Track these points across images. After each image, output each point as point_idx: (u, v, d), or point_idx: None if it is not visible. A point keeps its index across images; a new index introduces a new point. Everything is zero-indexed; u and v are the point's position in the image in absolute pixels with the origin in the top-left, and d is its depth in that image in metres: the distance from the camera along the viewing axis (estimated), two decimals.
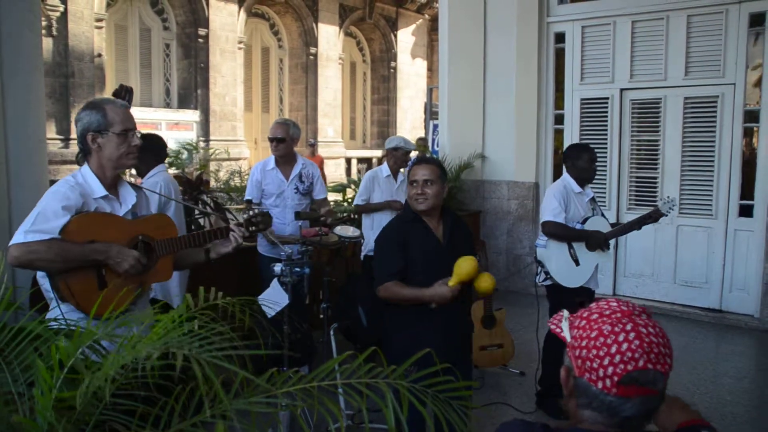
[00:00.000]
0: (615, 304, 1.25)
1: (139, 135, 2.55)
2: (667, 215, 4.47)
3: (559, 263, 4.30)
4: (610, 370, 1.17)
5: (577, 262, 4.28)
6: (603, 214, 4.52)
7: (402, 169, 5.78)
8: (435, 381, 1.44)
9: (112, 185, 2.53)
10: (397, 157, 5.55)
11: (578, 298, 4.19)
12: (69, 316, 2.16)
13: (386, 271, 3.05)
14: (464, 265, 2.89)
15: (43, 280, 2.39)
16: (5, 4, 3.74)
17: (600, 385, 1.19)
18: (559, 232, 4.27)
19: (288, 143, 4.78)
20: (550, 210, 4.31)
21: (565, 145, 7.45)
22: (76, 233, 2.30)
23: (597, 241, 4.25)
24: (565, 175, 4.46)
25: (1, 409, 1.26)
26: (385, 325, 3.27)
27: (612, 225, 4.45)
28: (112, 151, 2.46)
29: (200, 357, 1.29)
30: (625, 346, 1.17)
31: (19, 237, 2.23)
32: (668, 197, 4.49)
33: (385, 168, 5.62)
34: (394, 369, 1.37)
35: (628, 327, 1.20)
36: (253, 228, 2.82)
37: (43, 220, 2.26)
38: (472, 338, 3.44)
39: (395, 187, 5.57)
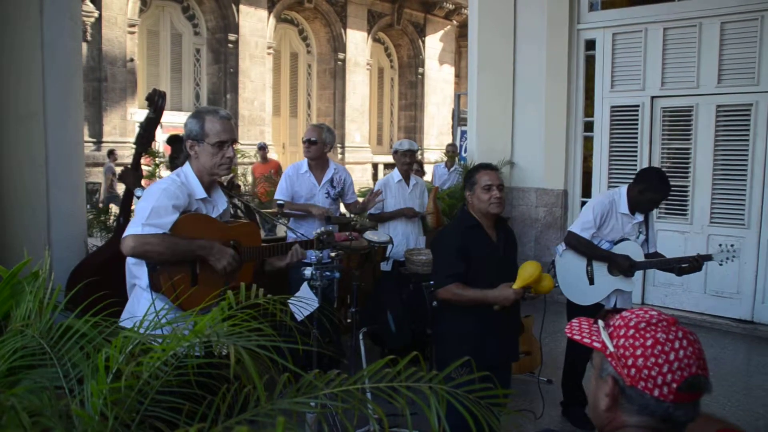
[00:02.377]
0: (654, 312, 1.27)
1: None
2: (721, 265, 4.07)
3: (570, 276, 4.18)
4: (669, 377, 1.19)
5: (591, 281, 4.12)
6: (648, 239, 4.23)
7: (415, 174, 5.78)
8: (480, 387, 1.46)
9: (208, 189, 2.72)
10: (397, 159, 5.57)
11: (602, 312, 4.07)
12: (157, 305, 2.33)
13: (447, 273, 3.14)
14: (529, 270, 3.00)
15: (135, 268, 2.58)
16: (47, 12, 3.84)
17: (657, 392, 1.20)
18: (579, 247, 4.11)
19: (320, 146, 4.84)
20: (580, 222, 4.15)
21: (594, 152, 7.41)
22: (182, 230, 2.49)
23: (620, 267, 4.01)
24: (623, 189, 4.18)
25: (55, 402, 1.32)
26: (440, 326, 3.35)
27: (649, 255, 4.17)
28: (206, 159, 2.63)
29: (244, 347, 1.33)
30: (681, 353, 1.20)
31: (135, 229, 2.41)
32: (731, 246, 4.04)
33: (396, 174, 5.62)
34: (435, 374, 1.40)
35: (680, 334, 1.22)
36: (322, 244, 3.21)
37: (156, 216, 2.44)
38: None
39: (408, 192, 5.58)
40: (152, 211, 2.44)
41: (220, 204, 2.78)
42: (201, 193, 2.65)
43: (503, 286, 3.03)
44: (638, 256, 4.03)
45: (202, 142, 2.61)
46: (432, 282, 3.35)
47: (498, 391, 1.46)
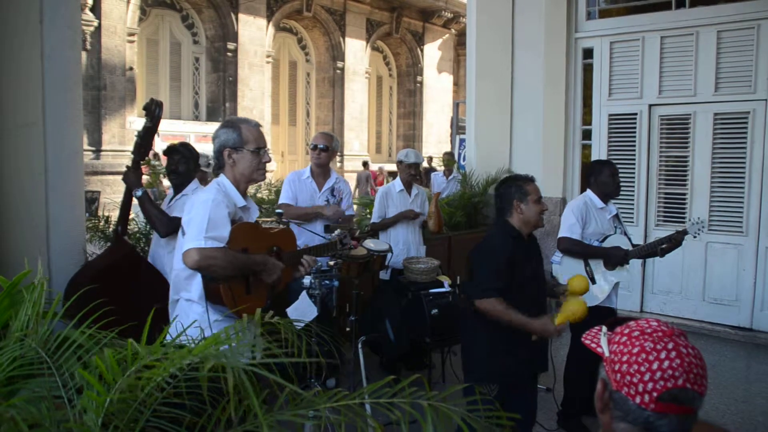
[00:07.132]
0: (656, 323, 1.28)
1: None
2: (695, 237, 4.38)
3: None
4: (650, 386, 1.20)
5: (593, 280, 4.21)
6: (626, 232, 4.43)
7: (417, 184, 5.77)
8: (485, 408, 1.46)
9: (243, 197, 2.75)
10: (402, 169, 5.59)
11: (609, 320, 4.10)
12: (211, 315, 2.42)
13: (491, 286, 3.08)
14: (573, 308, 3.02)
15: (186, 282, 2.56)
16: (47, 22, 3.86)
17: (638, 400, 1.21)
18: (574, 248, 4.23)
19: (330, 154, 4.92)
20: (566, 226, 4.29)
21: (593, 160, 7.42)
22: (234, 240, 2.51)
23: (616, 259, 4.16)
24: (588, 191, 4.43)
25: (54, 413, 1.31)
26: (469, 335, 3.30)
27: (635, 245, 4.35)
28: (245, 166, 2.68)
29: (241, 368, 1.33)
30: (666, 363, 1.20)
31: (198, 242, 2.39)
32: (698, 218, 4.41)
33: (398, 183, 5.63)
34: (437, 393, 1.39)
35: (670, 346, 1.22)
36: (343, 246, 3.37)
37: (215, 227, 2.44)
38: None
39: (409, 201, 5.58)
40: (210, 223, 2.43)
41: (254, 211, 2.83)
42: (241, 201, 2.70)
43: (546, 320, 3.03)
44: (627, 246, 4.25)
45: (242, 150, 2.67)
46: (470, 289, 3.23)
47: (508, 414, 1.45)
